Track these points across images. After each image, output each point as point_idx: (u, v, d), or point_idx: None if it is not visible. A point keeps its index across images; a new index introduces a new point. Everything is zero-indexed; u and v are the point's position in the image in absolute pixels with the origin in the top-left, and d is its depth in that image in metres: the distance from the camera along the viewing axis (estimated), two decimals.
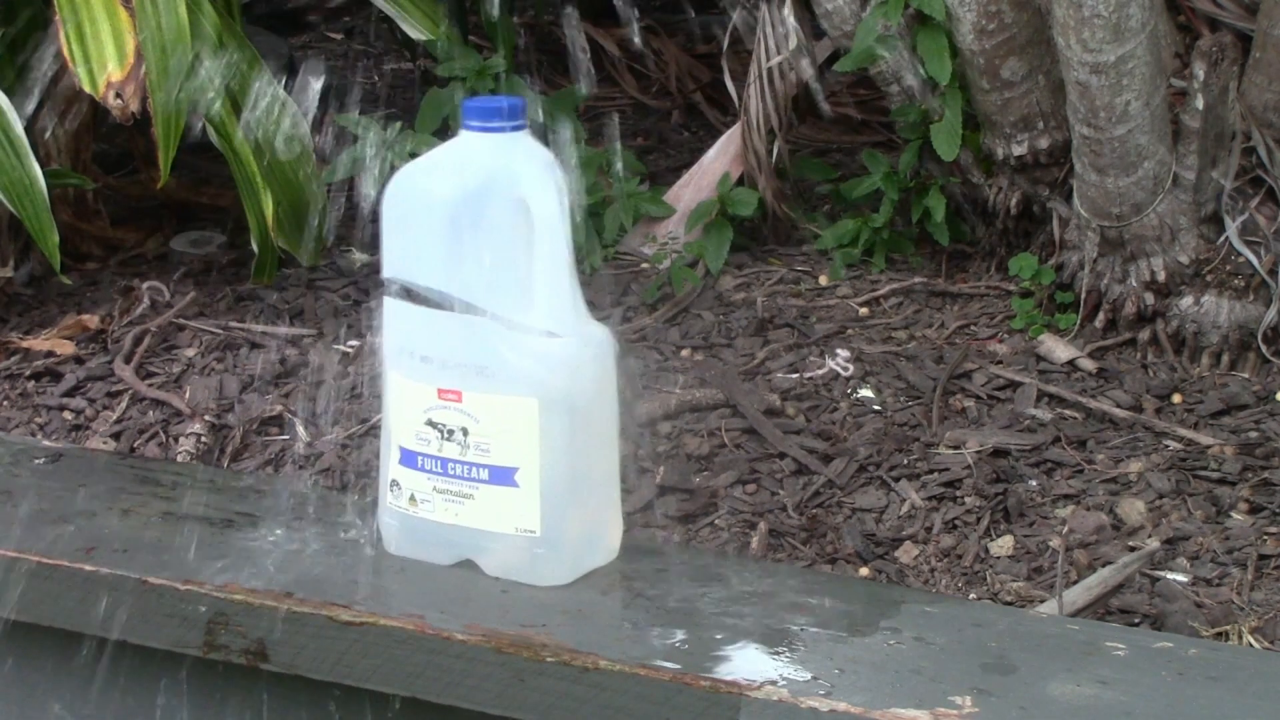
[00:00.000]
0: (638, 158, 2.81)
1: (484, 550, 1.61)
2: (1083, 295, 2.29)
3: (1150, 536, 1.85)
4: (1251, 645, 1.66)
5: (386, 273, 1.58)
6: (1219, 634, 1.67)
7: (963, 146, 2.38)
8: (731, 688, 1.48)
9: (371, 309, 2.40)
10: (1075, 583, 1.76)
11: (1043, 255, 2.38)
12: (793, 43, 2.57)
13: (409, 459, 1.61)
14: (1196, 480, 1.96)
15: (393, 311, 1.58)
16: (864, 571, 1.82)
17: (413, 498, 1.62)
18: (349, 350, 2.32)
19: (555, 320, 1.56)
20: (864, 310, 2.42)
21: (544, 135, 1.63)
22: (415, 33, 2.71)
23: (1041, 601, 1.74)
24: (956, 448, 2.02)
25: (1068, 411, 2.11)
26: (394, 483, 1.64)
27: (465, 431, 1.57)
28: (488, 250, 1.54)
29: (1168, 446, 2.03)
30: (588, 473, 1.61)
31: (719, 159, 2.69)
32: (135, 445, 2.12)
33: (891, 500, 1.94)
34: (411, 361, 1.57)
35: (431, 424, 1.57)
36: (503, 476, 1.57)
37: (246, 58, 2.38)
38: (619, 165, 2.63)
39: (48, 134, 2.56)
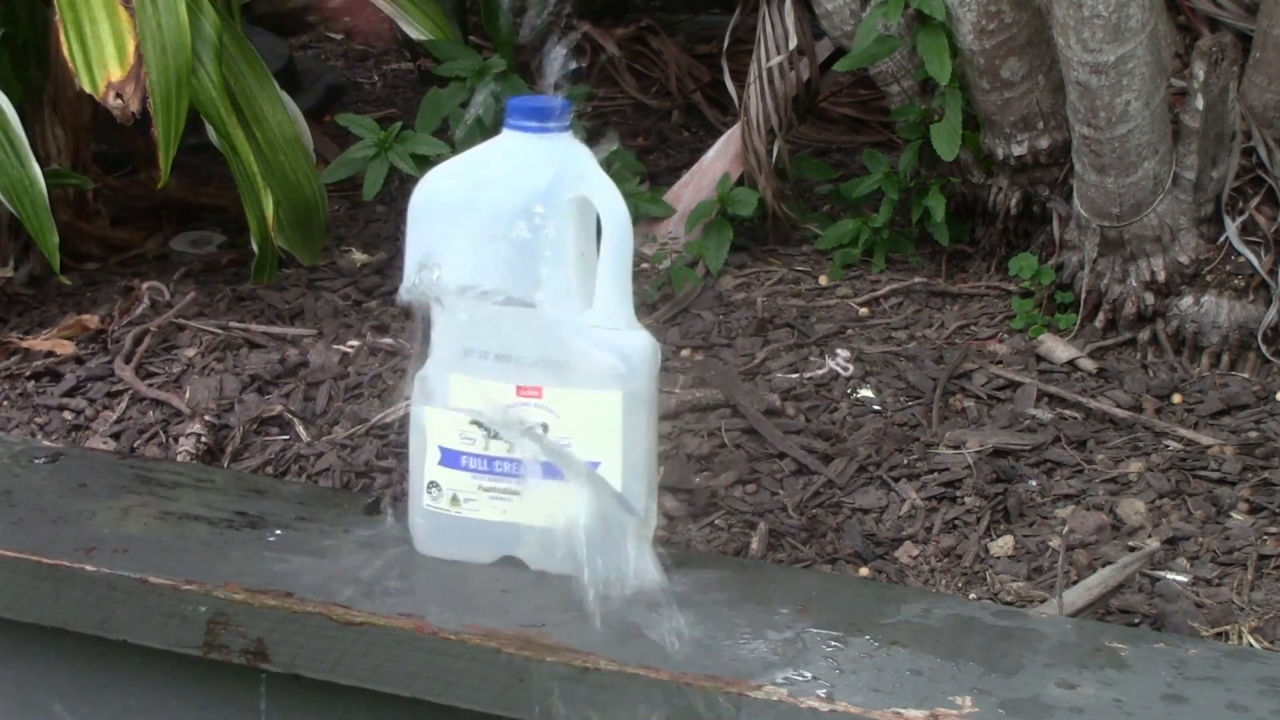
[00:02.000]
0: (638, 158, 2.81)
1: (533, 545, 1.60)
2: (1083, 295, 2.29)
3: (1150, 536, 1.85)
4: (1251, 645, 1.66)
5: (449, 279, 1.56)
6: (1219, 634, 1.67)
7: (963, 146, 2.37)
8: (731, 687, 1.48)
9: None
10: (1075, 583, 1.76)
11: (1043, 255, 2.38)
12: (793, 43, 2.57)
13: (451, 460, 1.61)
14: (1196, 480, 1.96)
15: (457, 313, 1.58)
16: (864, 571, 1.82)
17: (454, 498, 1.61)
18: (349, 350, 2.31)
19: (624, 315, 1.58)
20: (864, 310, 2.42)
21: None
22: (415, 33, 2.71)
23: (1041, 601, 1.74)
24: (956, 448, 2.02)
25: (1068, 411, 2.11)
26: (433, 485, 1.63)
27: (545, 427, 1.56)
28: (555, 249, 1.55)
29: (1168, 446, 2.03)
30: (652, 464, 1.62)
31: (719, 159, 2.69)
32: (135, 445, 2.12)
33: (891, 500, 1.94)
34: (484, 362, 1.57)
35: (481, 426, 1.58)
36: (559, 473, 1.57)
37: (246, 58, 2.38)
38: (618, 165, 2.63)
39: (48, 134, 2.56)
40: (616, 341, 1.57)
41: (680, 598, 1.61)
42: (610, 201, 1.56)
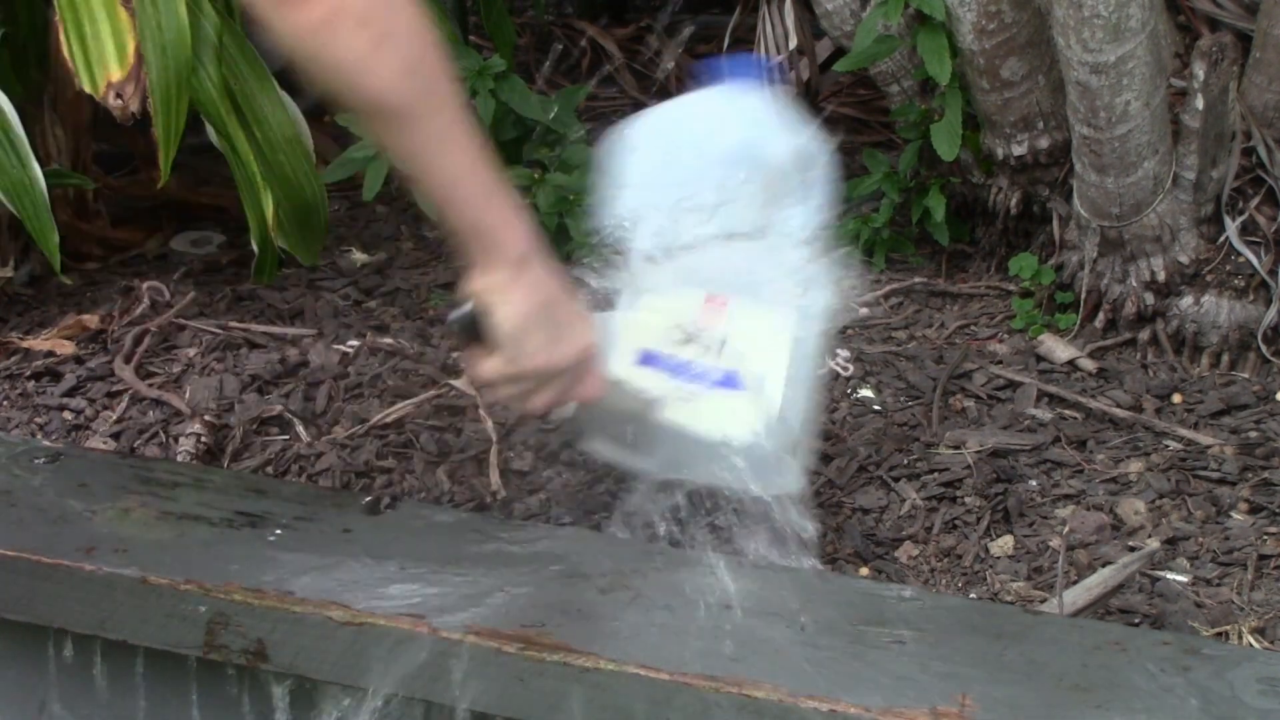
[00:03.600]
0: None
1: (696, 449, 1.68)
2: (1083, 295, 2.29)
3: (1150, 536, 1.85)
4: (1252, 645, 1.66)
5: (641, 199, 1.73)
6: (1219, 634, 1.67)
7: (963, 146, 2.37)
8: (731, 687, 1.48)
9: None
10: (1075, 583, 1.76)
11: (1043, 255, 2.38)
12: (793, 43, 2.57)
13: (649, 359, 1.70)
14: (1196, 480, 1.96)
15: (652, 227, 1.73)
16: (864, 571, 1.82)
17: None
18: (349, 350, 2.32)
19: (809, 248, 1.74)
20: (864, 310, 2.42)
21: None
22: None
23: (1041, 601, 1.74)
24: (956, 448, 2.02)
25: (1068, 411, 2.11)
26: (619, 382, 1.70)
27: (723, 341, 1.68)
28: (761, 189, 1.72)
29: (1168, 446, 2.03)
30: (809, 386, 1.73)
31: None
32: (135, 445, 2.12)
33: (891, 500, 1.94)
34: (677, 273, 1.71)
35: (682, 329, 1.70)
36: (738, 383, 1.67)
37: (247, 58, 2.38)
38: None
39: (48, 134, 2.56)
40: (803, 268, 1.72)
41: (674, 597, 1.61)
42: (809, 148, 1.73)
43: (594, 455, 1.82)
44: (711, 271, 1.73)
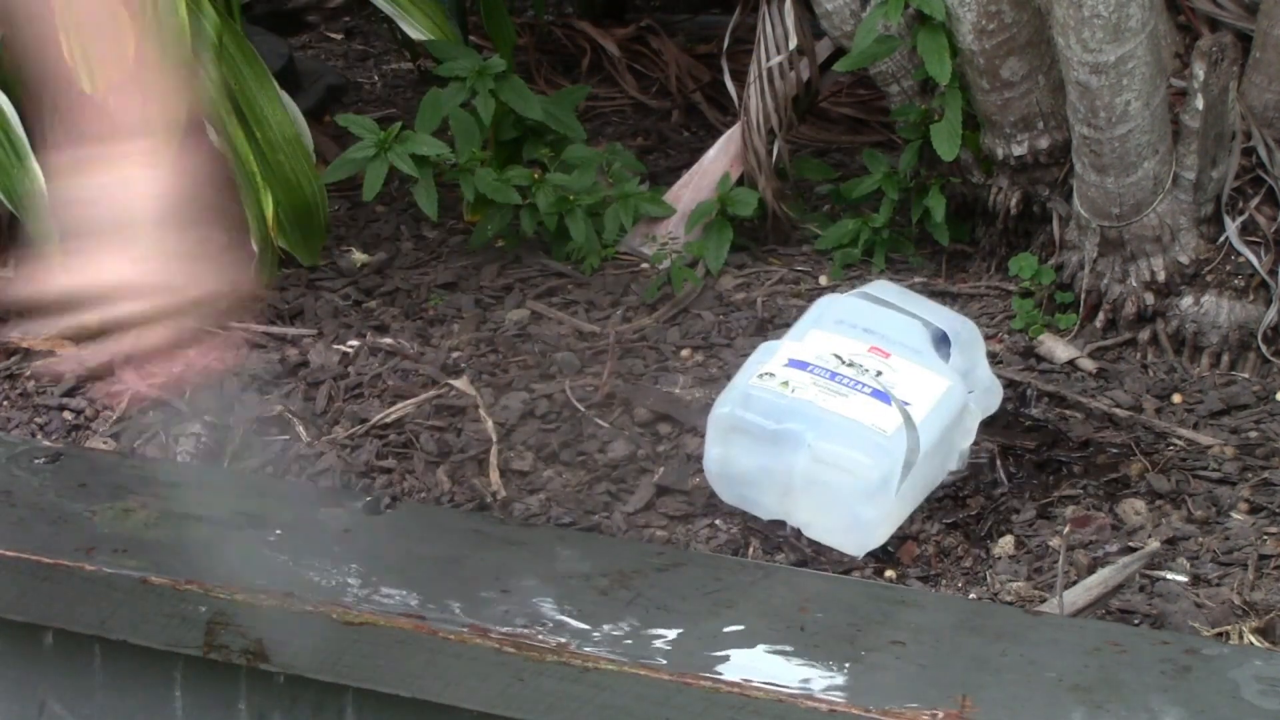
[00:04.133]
0: (638, 158, 2.81)
1: (819, 434, 1.82)
2: (1083, 295, 2.29)
3: (1150, 536, 1.85)
4: (1252, 645, 1.66)
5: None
6: (1219, 634, 1.67)
7: (963, 146, 2.37)
8: (731, 688, 1.48)
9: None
10: (1075, 583, 1.76)
11: (1043, 255, 2.38)
12: (793, 43, 2.57)
13: (798, 364, 1.89)
14: (1196, 480, 1.96)
15: (842, 302, 2.02)
16: (864, 572, 1.82)
17: (786, 382, 1.87)
18: (349, 350, 2.31)
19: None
20: None
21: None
22: (415, 33, 2.71)
23: (1041, 601, 1.74)
24: None
25: (1068, 411, 2.11)
26: (767, 374, 1.89)
27: (879, 373, 1.88)
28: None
29: (1168, 446, 2.03)
30: (934, 461, 1.88)
31: (719, 159, 2.69)
32: (135, 445, 2.12)
33: None
34: (850, 329, 1.94)
35: (839, 356, 1.90)
36: (886, 398, 1.85)
37: (246, 58, 2.38)
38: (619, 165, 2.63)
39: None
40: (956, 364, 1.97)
41: (674, 597, 1.61)
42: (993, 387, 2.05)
43: (711, 485, 1.92)
44: (885, 327, 1.95)
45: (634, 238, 2.61)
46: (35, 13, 1.74)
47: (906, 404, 1.85)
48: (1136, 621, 1.70)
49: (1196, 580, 1.77)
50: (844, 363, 1.89)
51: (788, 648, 1.54)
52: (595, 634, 1.56)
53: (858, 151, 2.76)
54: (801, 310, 2.38)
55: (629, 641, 1.55)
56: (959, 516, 1.91)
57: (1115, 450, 2.02)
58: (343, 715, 1.72)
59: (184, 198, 1.42)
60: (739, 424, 1.88)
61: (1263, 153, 2.21)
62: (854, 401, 1.85)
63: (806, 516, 1.83)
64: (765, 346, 1.96)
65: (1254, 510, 1.90)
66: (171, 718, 1.80)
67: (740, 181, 2.61)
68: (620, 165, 2.63)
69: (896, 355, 1.91)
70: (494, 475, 2.01)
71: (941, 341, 1.97)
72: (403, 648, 1.58)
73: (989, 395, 2.02)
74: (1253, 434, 2.05)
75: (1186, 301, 2.22)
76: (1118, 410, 2.10)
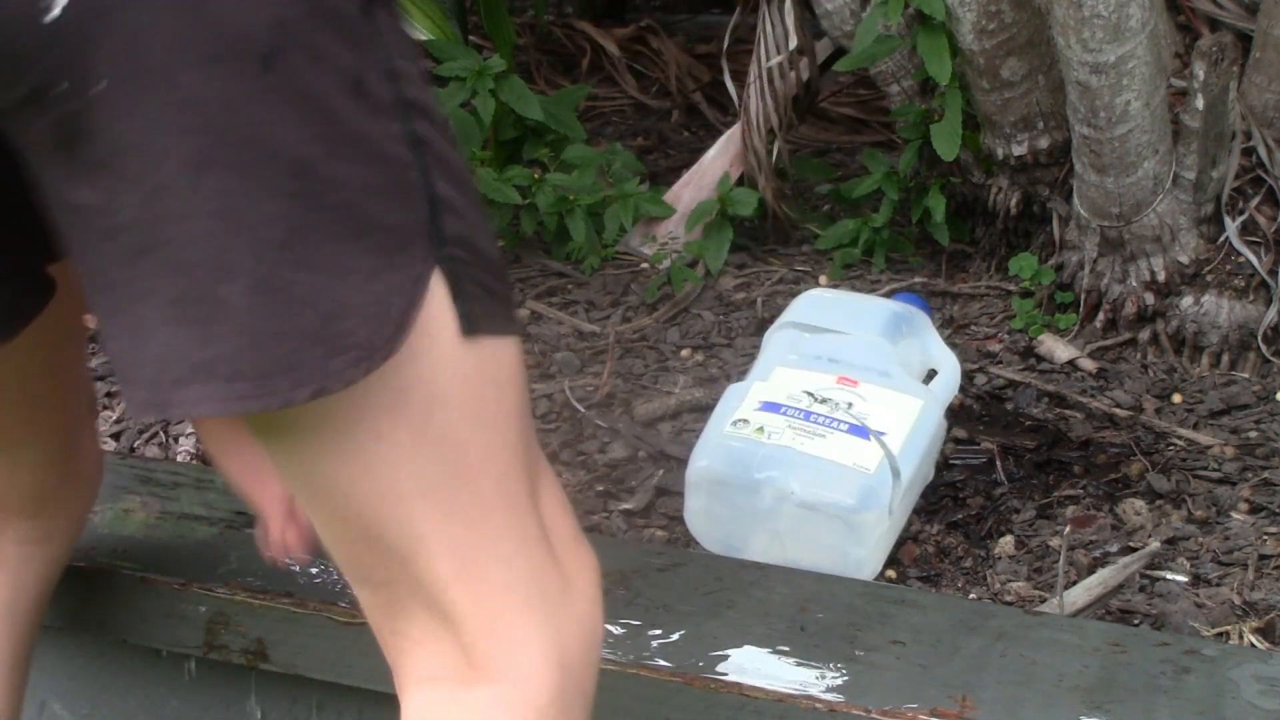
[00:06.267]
0: (638, 158, 2.81)
1: (802, 481, 1.79)
2: (1083, 295, 2.29)
3: (1150, 536, 1.85)
4: (1252, 645, 1.66)
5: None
6: (1219, 634, 1.67)
7: (963, 146, 2.37)
8: (731, 688, 1.48)
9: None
10: (1075, 583, 1.76)
11: (1043, 255, 2.38)
12: (793, 43, 2.57)
13: (771, 407, 1.87)
14: (1196, 480, 1.96)
15: (794, 337, 1.98)
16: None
17: (761, 428, 1.85)
18: None
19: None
20: None
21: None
22: (415, 32, 2.71)
23: (1041, 601, 1.74)
24: None
25: (1068, 411, 2.11)
26: (740, 421, 1.86)
27: (850, 405, 1.86)
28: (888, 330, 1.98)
29: (1168, 446, 2.03)
30: (916, 481, 1.86)
31: (719, 159, 2.69)
32: (135, 445, 2.12)
33: None
34: (814, 360, 1.93)
35: (810, 394, 1.88)
36: (864, 433, 1.83)
37: None
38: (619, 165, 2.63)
39: None
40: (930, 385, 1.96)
41: (674, 597, 1.61)
42: (950, 364, 2.00)
43: (694, 534, 1.88)
44: (847, 354, 1.93)
45: (634, 238, 2.61)
46: None
47: (882, 434, 1.82)
48: (1136, 621, 1.70)
49: (1196, 580, 1.77)
50: (816, 400, 1.86)
51: (787, 647, 1.54)
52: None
53: (858, 151, 2.77)
54: None
55: (629, 641, 1.55)
56: (959, 516, 1.91)
57: (1115, 450, 2.02)
58: (343, 715, 1.72)
59: None
60: (718, 477, 1.83)
61: (1263, 153, 2.21)
62: (832, 441, 1.82)
63: (794, 558, 1.80)
64: (733, 389, 1.92)
65: (1254, 510, 1.90)
66: (171, 717, 1.80)
67: (740, 181, 2.61)
68: (620, 165, 2.63)
69: (864, 382, 1.89)
70: None
71: (896, 333, 1.96)
72: None
73: (948, 373, 1.98)
74: (1253, 434, 2.06)
75: (1186, 301, 2.22)
76: (1118, 410, 2.10)
